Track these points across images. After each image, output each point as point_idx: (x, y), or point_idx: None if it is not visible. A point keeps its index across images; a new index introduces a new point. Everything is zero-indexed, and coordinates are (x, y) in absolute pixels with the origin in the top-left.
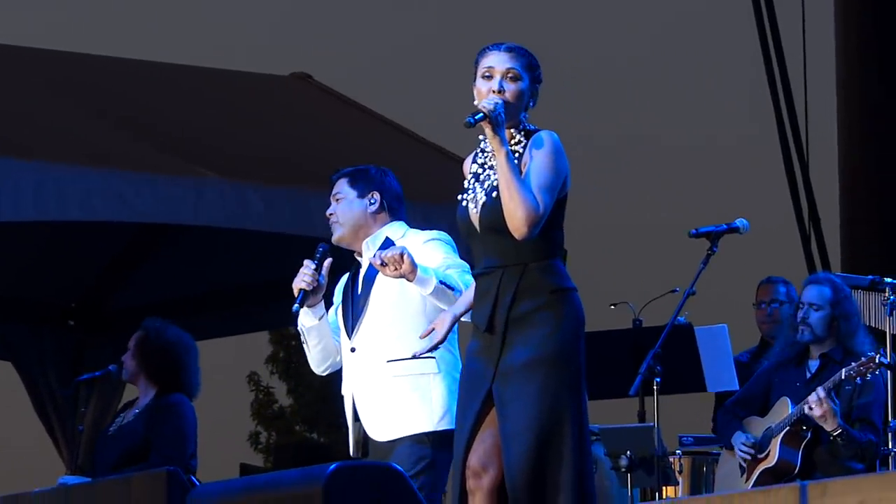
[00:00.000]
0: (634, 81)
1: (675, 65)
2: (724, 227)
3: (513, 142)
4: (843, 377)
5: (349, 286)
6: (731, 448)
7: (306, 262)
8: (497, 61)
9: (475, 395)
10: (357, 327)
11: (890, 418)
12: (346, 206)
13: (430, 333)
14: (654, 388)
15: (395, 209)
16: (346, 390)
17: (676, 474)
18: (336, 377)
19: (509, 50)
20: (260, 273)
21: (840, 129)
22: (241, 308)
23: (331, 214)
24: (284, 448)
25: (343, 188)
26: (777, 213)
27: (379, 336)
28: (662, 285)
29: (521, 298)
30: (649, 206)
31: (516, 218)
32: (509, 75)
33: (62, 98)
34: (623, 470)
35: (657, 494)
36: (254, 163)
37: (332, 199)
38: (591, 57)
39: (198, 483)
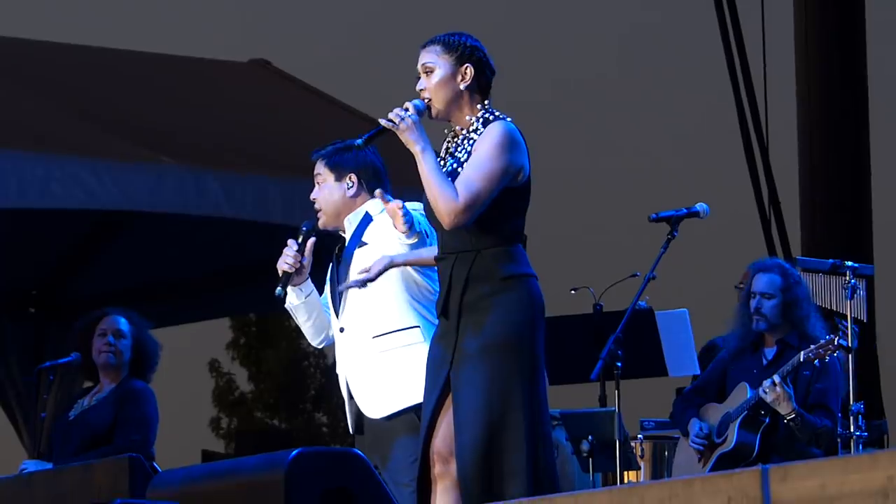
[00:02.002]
0: (594, 68)
1: (634, 50)
2: (684, 211)
3: (470, 129)
4: (801, 360)
5: (334, 265)
6: (688, 435)
7: (290, 242)
8: (419, 62)
9: (436, 382)
10: (342, 306)
11: (852, 401)
12: (326, 193)
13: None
14: (615, 372)
15: (373, 187)
16: (340, 370)
17: (638, 459)
18: (296, 363)
19: (424, 46)
20: (220, 259)
21: (799, 111)
22: (202, 294)
23: (314, 199)
24: (246, 434)
25: (322, 170)
26: (737, 197)
27: (363, 313)
28: (623, 270)
29: (472, 285)
30: (609, 191)
31: (437, 210)
32: (425, 71)
33: (20, 86)
34: (584, 455)
35: (619, 479)
36: (213, 150)
37: (315, 180)
38: (546, 41)
39: (159, 469)
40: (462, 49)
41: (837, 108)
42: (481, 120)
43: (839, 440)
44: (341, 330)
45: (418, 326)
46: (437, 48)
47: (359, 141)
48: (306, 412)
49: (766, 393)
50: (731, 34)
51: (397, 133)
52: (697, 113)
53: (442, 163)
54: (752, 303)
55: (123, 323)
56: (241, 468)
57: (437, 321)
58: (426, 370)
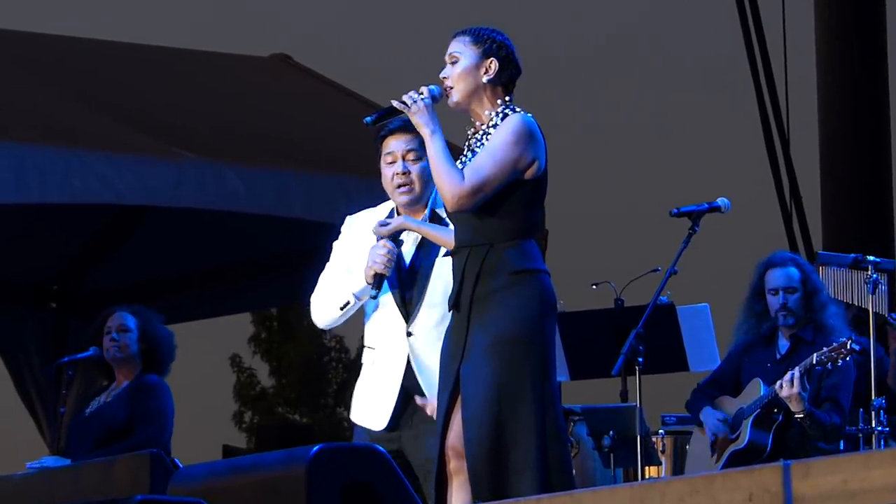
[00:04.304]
0: (612, 61)
1: (653, 44)
2: (706, 206)
3: (489, 125)
4: (813, 362)
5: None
6: (702, 426)
7: (389, 244)
8: (448, 51)
9: (448, 376)
10: (415, 313)
11: (873, 396)
12: (422, 171)
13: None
14: (637, 367)
15: None
16: (396, 364)
17: (659, 454)
18: (317, 358)
19: (454, 36)
20: (240, 254)
21: (820, 105)
22: (223, 289)
23: (405, 173)
24: (267, 429)
25: (416, 146)
26: (758, 192)
27: (437, 326)
28: (644, 265)
29: (483, 279)
30: (630, 186)
31: (441, 191)
32: (451, 61)
33: (42, 80)
34: (606, 450)
35: (640, 474)
36: (234, 144)
37: (402, 156)
38: (563, 38)
39: (180, 465)
40: (490, 43)
41: (859, 99)
42: (500, 115)
43: (860, 436)
44: (409, 334)
45: None
46: (466, 38)
47: (368, 120)
48: (328, 407)
49: (781, 387)
50: (752, 27)
51: (408, 115)
52: (718, 106)
53: (463, 159)
54: (775, 300)
55: (127, 318)
56: (262, 464)
57: None
58: (440, 364)
